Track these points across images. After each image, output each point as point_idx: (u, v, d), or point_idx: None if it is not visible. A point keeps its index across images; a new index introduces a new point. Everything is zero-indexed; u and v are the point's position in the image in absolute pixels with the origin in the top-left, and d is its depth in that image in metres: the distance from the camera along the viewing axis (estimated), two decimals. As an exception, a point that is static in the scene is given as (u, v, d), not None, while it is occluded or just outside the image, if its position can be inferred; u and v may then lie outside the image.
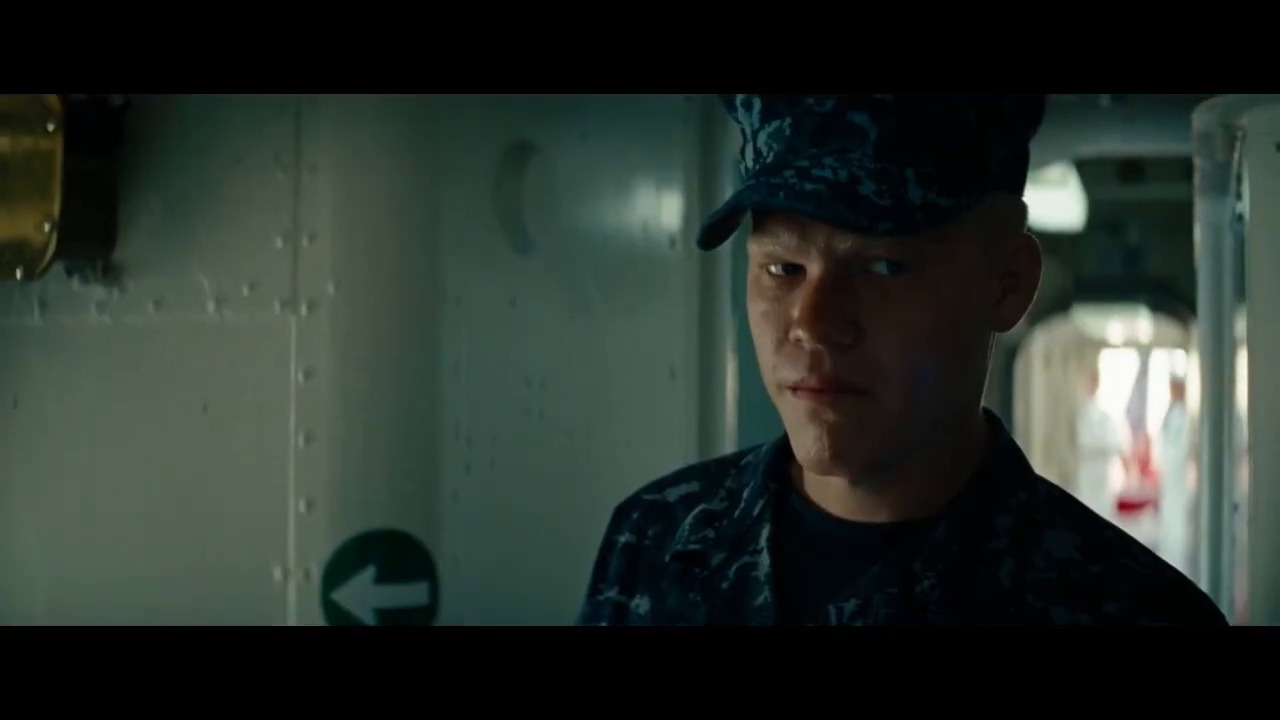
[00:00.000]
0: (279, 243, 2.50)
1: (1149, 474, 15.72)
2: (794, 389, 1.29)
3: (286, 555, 2.45)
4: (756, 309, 1.31)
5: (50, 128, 2.42)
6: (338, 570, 2.43)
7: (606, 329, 3.06)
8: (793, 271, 1.29)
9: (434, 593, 2.47)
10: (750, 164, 1.33)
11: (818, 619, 1.32)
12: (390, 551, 2.45)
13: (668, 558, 1.45)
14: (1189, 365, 11.84)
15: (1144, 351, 17.32)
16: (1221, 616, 1.35)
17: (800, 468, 1.39)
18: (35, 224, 2.44)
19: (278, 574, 2.45)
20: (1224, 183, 3.06)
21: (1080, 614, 1.28)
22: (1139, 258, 9.20)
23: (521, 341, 2.75)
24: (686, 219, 3.44)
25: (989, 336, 1.34)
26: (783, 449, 1.41)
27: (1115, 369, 17.73)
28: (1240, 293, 3.48)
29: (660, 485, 1.54)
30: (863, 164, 1.24)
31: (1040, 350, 13.60)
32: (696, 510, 1.46)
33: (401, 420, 2.51)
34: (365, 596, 2.43)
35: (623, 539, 1.51)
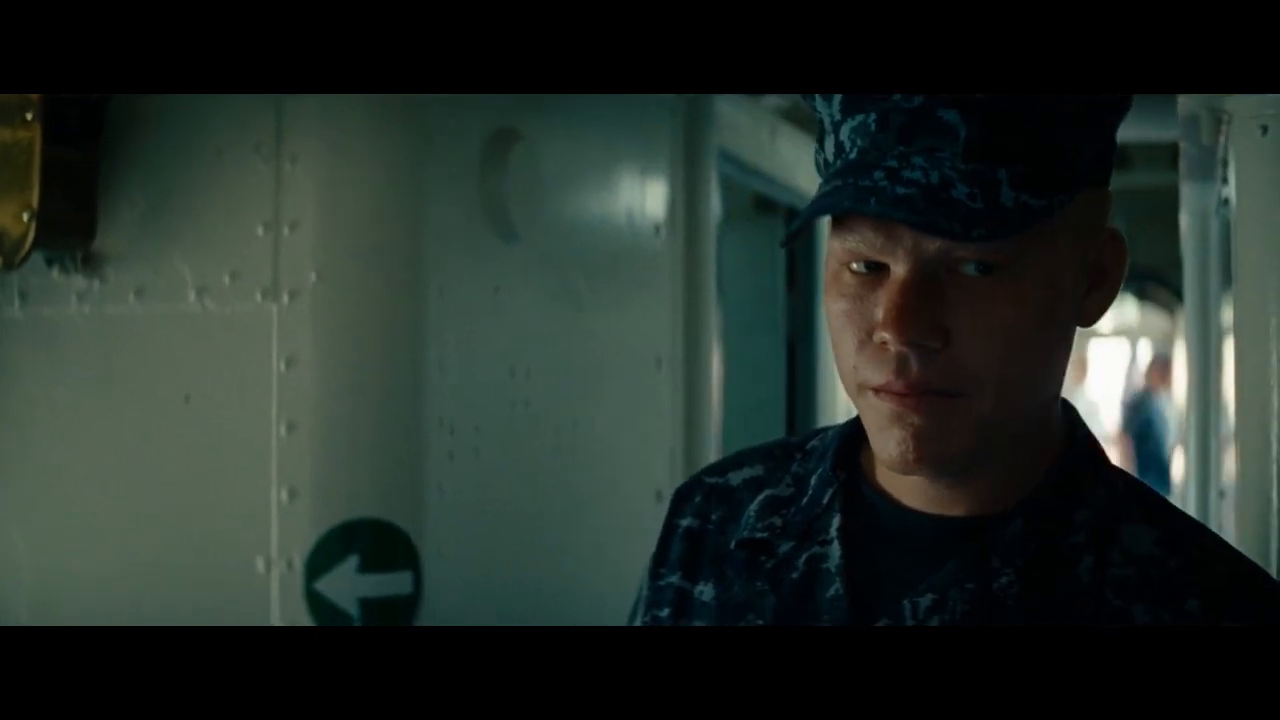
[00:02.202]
0: (260, 232, 2.49)
1: (1135, 461, 15.73)
2: (877, 391, 1.26)
3: (269, 545, 2.44)
4: (837, 307, 1.28)
5: (29, 117, 2.41)
6: (321, 560, 2.42)
7: (591, 318, 3.05)
8: (876, 270, 1.25)
9: (418, 582, 2.46)
10: (831, 157, 1.29)
11: (891, 613, 1.30)
12: (373, 541, 2.44)
13: (733, 544, 1.42)
14: (1174, 354, 11.86)
15: (1132, 340, 17.35)
16: None
17: (871, 455, 1.36)
18: (14, 214, 2.42)
19: (260, 564, 2.44)
20: (1210, 168, 3.06)
21: (1162, 611, 1.26)
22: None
23: (506, 331, 2.74)
24: (672, 208, 3.43)
25: (1073, 331, 1.32)
26: (851, 435, 1.40)
27: (1103, 357, 17.75)
28: (1226, 279, 3.48)
29: (723, 468, 1.50)
30: (954, 165, 1.21)
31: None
32: (762, 496, 1.43)
33: (384, 410, 2.49)
34: (349, 586, 2.42)
35: (684, 523, 1.48)
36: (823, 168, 1.31)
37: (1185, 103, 2.59)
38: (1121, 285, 1.34)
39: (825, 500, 1.39)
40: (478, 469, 2.62)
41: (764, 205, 4.73)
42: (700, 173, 3.52)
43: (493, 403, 2.71)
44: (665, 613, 1.45)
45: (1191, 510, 4.31)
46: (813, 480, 1.41)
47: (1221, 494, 2.72)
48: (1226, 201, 2.14)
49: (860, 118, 1.25)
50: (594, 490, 3.08)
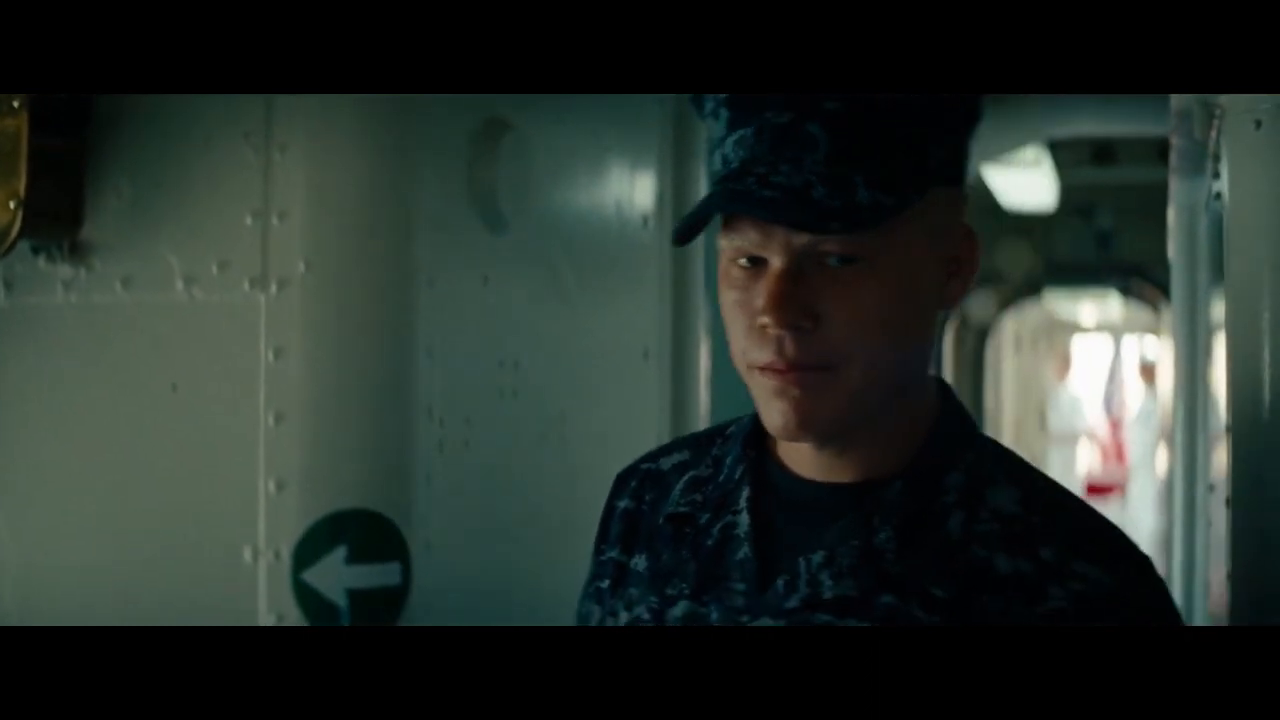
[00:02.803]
0: (249, 221, 2.48)
1: (1118, 459, 15.78)
2: (762, 369, 1.45)
3: (257, 535, 2.43)
4: (727, 298, 1.47)
5: (15, 105, 2.40)
6: (308, 550, 2.41)
7: (580, 309, 3.04)
8: (758, 264, 1.44)
9: (406, 573, 2.46)
10: (718, 168, 1.48)
11: (789, 570, 1.48)
12: (362, 532, 2.43)
13: (661, 520, 1.62)
14: (1160, 350, 11.88)
15: (1116, 336, 17.38)
16: (1147, 559, 1.48)
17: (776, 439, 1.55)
18: (1, 203, 2.41)
19: (248, 554, 2.43)
20: (1200, 162, 3.06)
21: (1020, 560, 1.43)
22: (1110, 241, 9.21)
23: (495, 322, 2.74)
24: (660, 199, 3.43)
25: (935, 314, 1.50)
26: (760, 420, 1.54)
27: (1086, 353, 17.78)
28: (1214, 274, 3.48)
29: (655, 456, 1.71)
30: (815, 170, 1.40)
31: (1011, 334, 13.63)
32: (686, 476, 1.64)
33: (373, 400, 2.49)
34: (336, 577, 2.41)
35: (622, 504, 1.69)
36: (710, 177, 1.49)
37: (1177, 97, 2.59)
38: (976, 273, 1.53)
39: (737, 476, 1.58)
40: (466, 460, 2.62)
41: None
42: (689, 165, 3.52)
43: (481, 393, 2.70)
44: (605, 584, 1.67)
45: (1179, 504, 4.33)
46: (727, 460, 1.61)
47: (1211, 488, 2.73)
48: (1218, 196, 2.14)
49: (740, 132, 1.45)
50: (583, 480, 3.07)
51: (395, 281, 2.52)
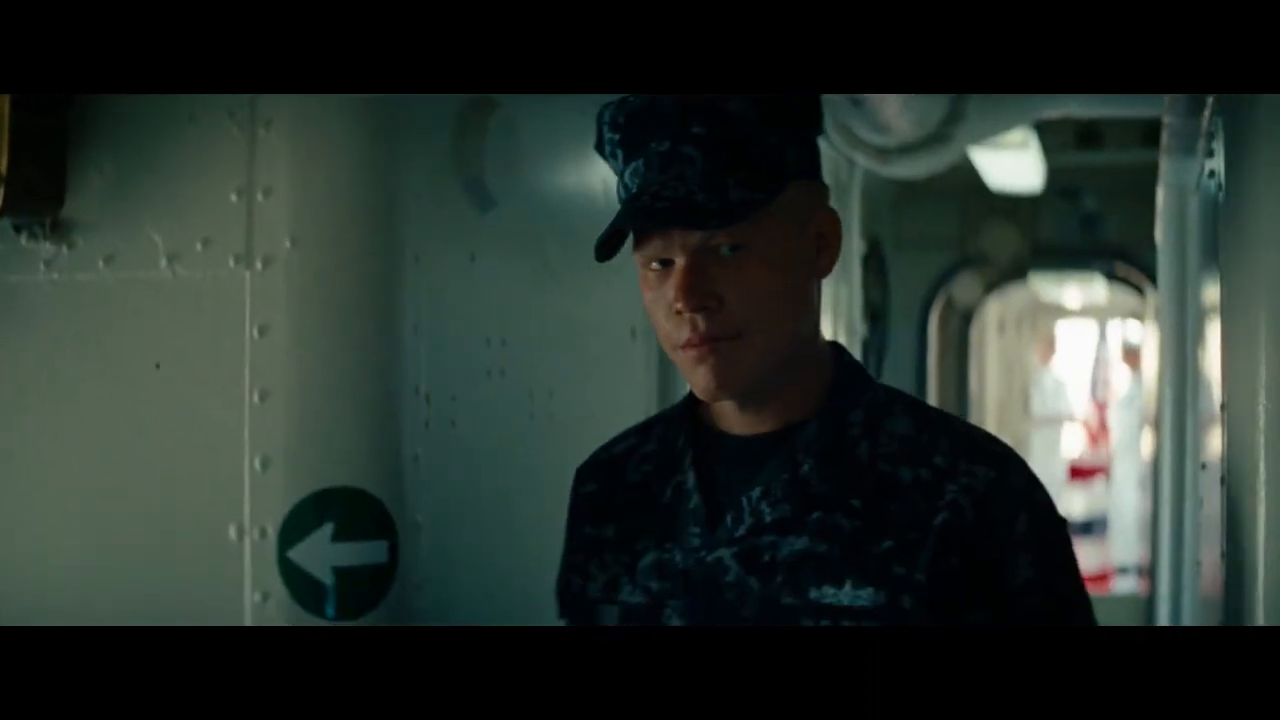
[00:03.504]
0: (233, 198, 2.46)
1: (1102, 441, 15.80)
2: (683, 346, 1.79)
3: (242, 513, 2.42)
4: (649, 295, 1.82)
5: (-4, 82, 2.37)
6: (294, 528, 2.40)
7: (567, 288, 3.03)
8: (666, 265, 1.79)
9: (393, 551, 2.44)
10: (623, 194, 1.83)
11: (734, 509, 1.82)
12: (348, 509, 2.42)
13: (622, 492, 1.96)
14: (1145, 333, 11.89)
15: (1100, 319, 17.39)
16: (1021, 460, 1.83)
17: (708, 407, 1.90)
18: (-18, 180, 2.39)
19: (233, 532, 2.42)
20: (1193, 142, 3.05)
21: (920, 469, 1.79)
22: (1096, 224, 9.20)
23: (481, 300, 2.72)
24: (647, 178, 3.41)
25: (813, 283, 1.86)
26: (691, 395, 1.92)
27: (1070, 336, 17.80)
28: (1203, 256, 3.48)
29: (607, 447, 2.06)
30: (695, 181, 1.76)
31: (995, 317, 13.64)
32: (636, 454, 1.98)
33: (358, 378, 2.47)
34: (323, 555, 2.40)
35: (586, 489, 2.03)
36: (620, 196, 1.83)
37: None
38: (840, 246, 1.88)
39: (680, 444, 1.91)
40: (453, 438, 2.61)
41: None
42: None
43: (468, 371, 2.69)
44: (580, 556, 1.98)
45: (1167, 484, 4.34)
46: (669, 434, 1.95)
47: (1203, 466, 2.73)
48: (1211, 174, 2.13)
49: (634, 164, 1.80)
50: (569, 459, 3.05)
51: (381, 259, 2.51)
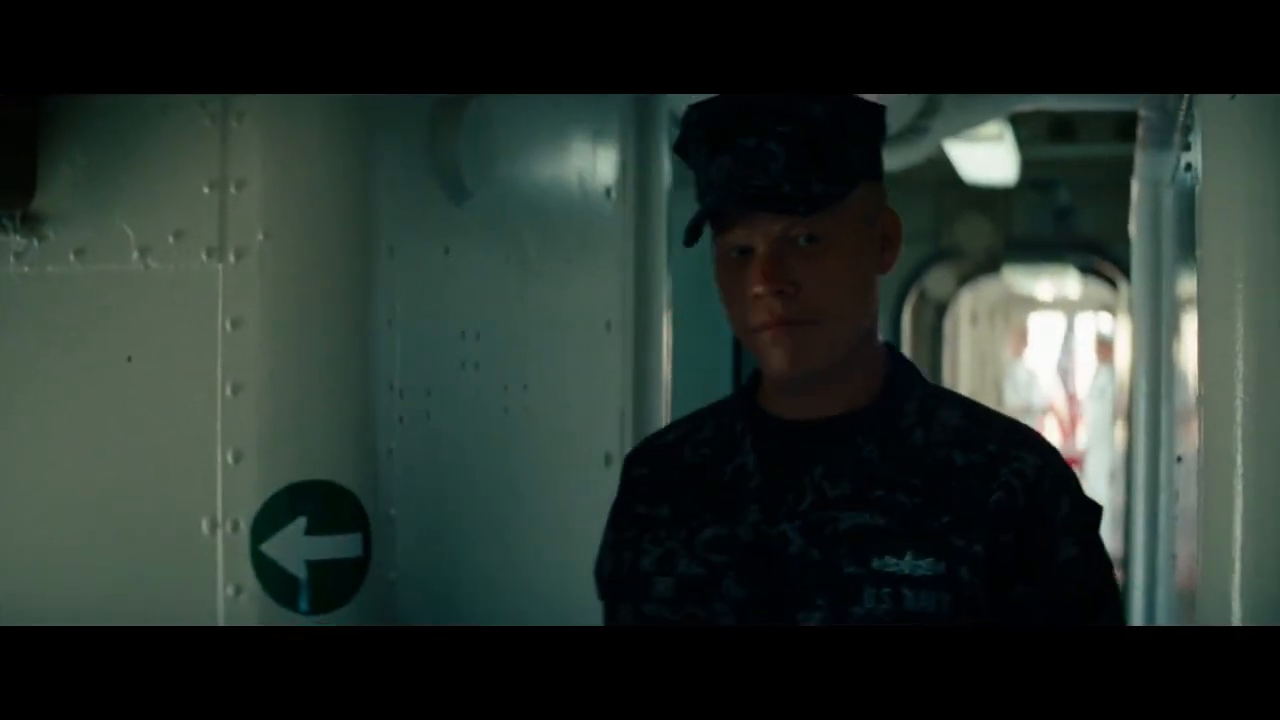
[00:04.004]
0: (206, 190, 2.44)
1: (1074, 433, 15.84)
2: (760, 329, 1.95)
3: (214, 507, 2.40)
4: (726, 280, 1.98)
5: (-35, 72, 2.35)
6: (267, 522, 2.38)
7: (542, 281, 3.02)
8: (746, 253, 1.95)
9: (367, 545, 2.43)
10: (706, 185, 1.98)
11: (794, 489, 1.98)
12: (322, 503, 2.41)
13: (678, 475, 2.10)
14: (1117, 326, 11.92)
15: (1073, 312, 17.43)
16: (1055, 449, 2.02)
17: (764, 395, 2.08)
18: (-48, 172, 2.38)
19: (205, 526, 2.40)
20: (1168, 135, 3.05)
21: (973, 455, 1.96)
22: (1069, 217, 9.23)
23: (456, 293, 2.71)
24: (623, 171, 3.41)
25: (876, 278, 2.04)
26: (747, 386, 2.12)
27: (1043, 329, 17.84)
28: (1177, 248, 3.49)
29: (659, 435, 2.25)
30: (779, 174, 1.92)
31: (968, 309, 13.66)
32: (691, 440, 2.13)
33: (332, 372, 2.46)
34: (296, 548, 2.38)
35: (638, 473, 2.17)
36: (701, 193, 1.99)
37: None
38: (900, 246, 2.06)
39: (738, 429, 2.07)
40: (428, 431, 2.60)
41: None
42: (652, 136, 3.50)
43: (443, 365, 2.68)
44: (633, 533, 2.10)
45: (1141, 474, 4.35)
46: (727, 419, 2.10)
47: (1179, 459, 2.73)
48: (1189, 167, 2.13)
49: (720, 158, 1.95)
50: (544, 453, 3.06)
51: (355, 251, 2.49)
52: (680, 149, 2.04)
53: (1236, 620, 1.85)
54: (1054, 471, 1.96)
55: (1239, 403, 1.83)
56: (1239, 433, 1.84)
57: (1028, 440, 1.99)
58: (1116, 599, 1.99)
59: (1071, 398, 16.50)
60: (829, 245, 1.93)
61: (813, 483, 1.97)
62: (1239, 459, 1.84)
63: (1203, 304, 1.91)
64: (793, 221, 1.92)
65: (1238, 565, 1.84)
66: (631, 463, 2.20)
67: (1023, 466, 1.94)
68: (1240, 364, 1.83)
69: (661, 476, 2.12)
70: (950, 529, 1.91)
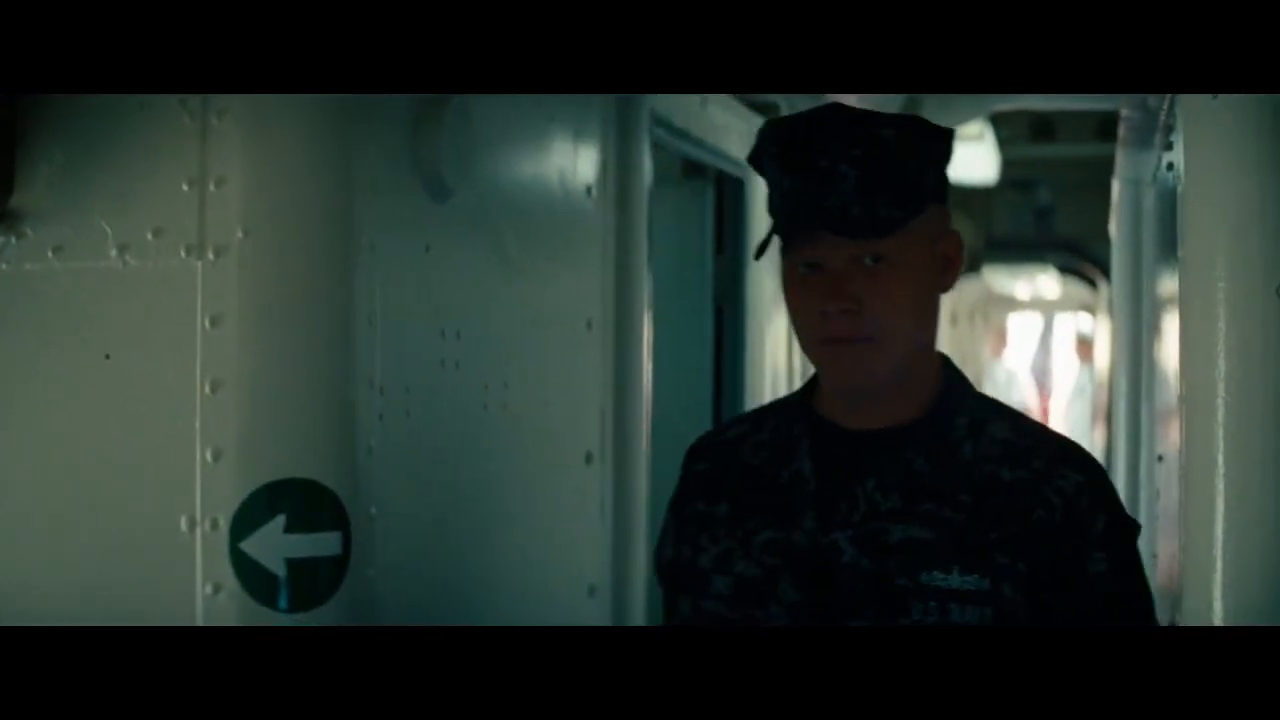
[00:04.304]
0: (185, 188, 2.44)
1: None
2: (824, 342, 2.03)
3: (193, 505, 2.39)
4: (795, 294, 2.05)
5: (-56, 70, 2.34)
6: (246, 520, 2.38)
7: (523, 279, 3.02)
8: (814, 269, 2.02)
9: (346, 543, 2.42)
10: (777, 202, 2.06)
11: (848, 497, 2.04)
12: (301, 501, 2.40)
13: (737, 475, 2.15)
14: (1097, 325, 11.95)
15: (1052, 312, 17.45)
16: (1101, 467, 2.07)
17: (821, 401, 2.14)
18: (-70, 170, 2.37)
19: (184, 524, 2.39)
20: (1150, 134, 3.05)
21: (1019, 471, 2.01)
22: (1049, 217, 9.24)
23: (436, 291, 2.70)
24: (604, 169, 3.40)
25: (937, 298, 2.10)
26: (806, 391, 2.18)
27: (1022, 328, 17.86)
28: (1162, 245, 3.49)
29: (720, 431, 2.29)
30: (850, 196, 1.98)
31: (947, 309, 13.66)
32: (751, 441, 2.18)
33: (312, 370, 2.45)
34: (275, 546, 2.38)
35: (699, 468, 2.23)
36: (775, 205, 2.06)
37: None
38: (961, 269, 2.13)
39: (795, 434, 2.13)
40: (408, 430, 2.59)
41: (693, 170, 4.70)
42: (633, 135, 3.50)
43: (423, 363, 2.67)
44: (691, 528, 2.17)
45: (1121, 473, 4.36)
46: (785, 423, 2.16)
47: (1160, 458, 2.73)
48: (1170, 166, 2.13)
49: (794, 176, 2.02)
50: (525, 451, 3.05)
51: (335, 249, 2.48)
52: (755, 163, 2.11)
53: (1219, 618, 1.85)
54: (1094, 489, 2.01)
55: (1220, 401, 1.84)
56: (1220, 431, 1.84)
57: (1073, 457, 2.04)
58: (1147, 614, 2.03)
59: (1044, 396, 16.52)
60: (893, 267, 2.00)
61: (865, 494, 2.03)
62: (1220, 458, 1.84)
63: (1184, 302, 1.91)
64: (860, 242, 1.99)
65: (1219, 563, 1.84)
66: (692, 456, 2.26)
67: (1064, 484, 2.00)
68: (1222, 362, 1.83)
69: (721, 474, 2.18)
70: (995, 546, 1.97)
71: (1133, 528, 2.04)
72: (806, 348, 2.08)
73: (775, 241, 2.06)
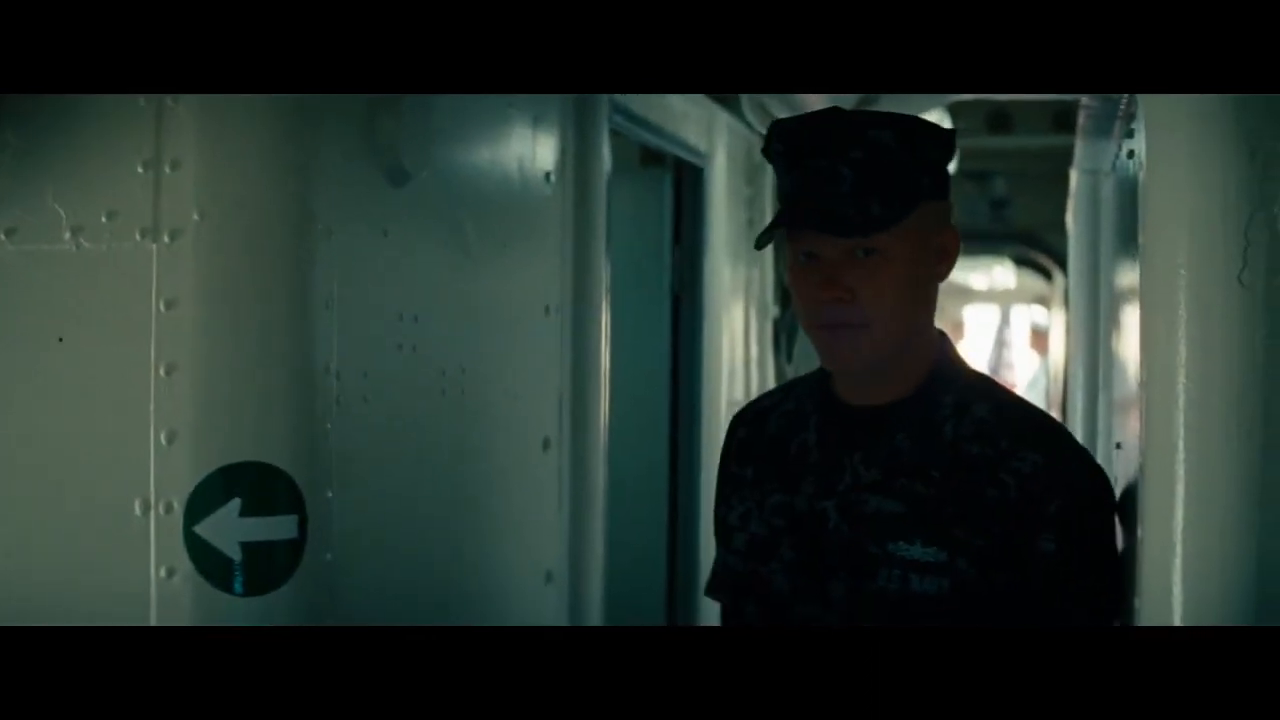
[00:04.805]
0: (140, 170, 2.42)
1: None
2: (820, 327, 2.19)
3: (148, 488, 2.37)
4: (796, 281, 2.21)
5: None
6: (201, 503, 2.36)
7: (481, 264, 3.00)
8: (812, 259, 2.18)
9: (302, 526, 2.41)
10: (782, 195, 2.22)
11: (840, 468, 2.22)
12: (256, 485, 2.38)
13: (763, 441, 2.36)
14: (1052, 316, 11.99)
15: (1006, 303, 17.52)
16: (1082, 449, 2.21)
17: (834, 377, 2.29)
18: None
19: (138, 507, 2.38)
20: (1108, 124, 3.05)
21: (986, 448, 2.15)
22: (1005, 208, 9.26)
23: (394, 275, 2.69)
24: (562, 155, 3.39)
25: (932, 285, 2.26)
26: (823, 368, 2.31)
27: (978, 320, 17.92)
28: (1116, 237, 3.50)
29: (761, 400, 2.50)
30: (845, 196, 2.14)
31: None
32: (778, 410, 2.40)
33: (267, 353, 2.43)
34: (230, 530, 2.36)
35: (740, 434, 2.44)
36: (779, 198, 2.08)
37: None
38: (957, 257, 2.27)
39: (808, 408, 2.33)
40: (365, 414, 2.58)
41: (651, 158, 4.70)
42: (592, 122, 3.48)
43: (380, 347, 2.66)
44: (728, 489, 2.39)
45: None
46: (804, 396, 2.36)
47: (1119, 445, 2.75)
48: (1131, 154, 2.13)
49: (795, 173, 2.19)
50: (483, 436, 3.04)
51: (292, 233, 2.47)
52: (767, 155, 2.27)
53: (1177, 603, 1.86)
54: (1053, 471, 2.12)
55: (1180, 390, 1.84)
56: (1180, 420, 1.84)
57: (1038, 438, 2.16)
58: (1102, 599, 2.13)
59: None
60: (885, 259, 2.14)
61: (852, 466, 2.22)
62: (1181, 444, 1.84)
63: (1145, 292, 1.91)
64: (853, 237, 2.13)
65: (1179, 549, 1.85)
66: (737, 422, 2.48)
67: (1021, 465, 2.13)
68: (1182, 350, 1.83)
69: (751, 440, 2.40)
70: (954, 520, 2.12)
71: (1093, 510, 2.14)
72: (806, 330, 2.24)
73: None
